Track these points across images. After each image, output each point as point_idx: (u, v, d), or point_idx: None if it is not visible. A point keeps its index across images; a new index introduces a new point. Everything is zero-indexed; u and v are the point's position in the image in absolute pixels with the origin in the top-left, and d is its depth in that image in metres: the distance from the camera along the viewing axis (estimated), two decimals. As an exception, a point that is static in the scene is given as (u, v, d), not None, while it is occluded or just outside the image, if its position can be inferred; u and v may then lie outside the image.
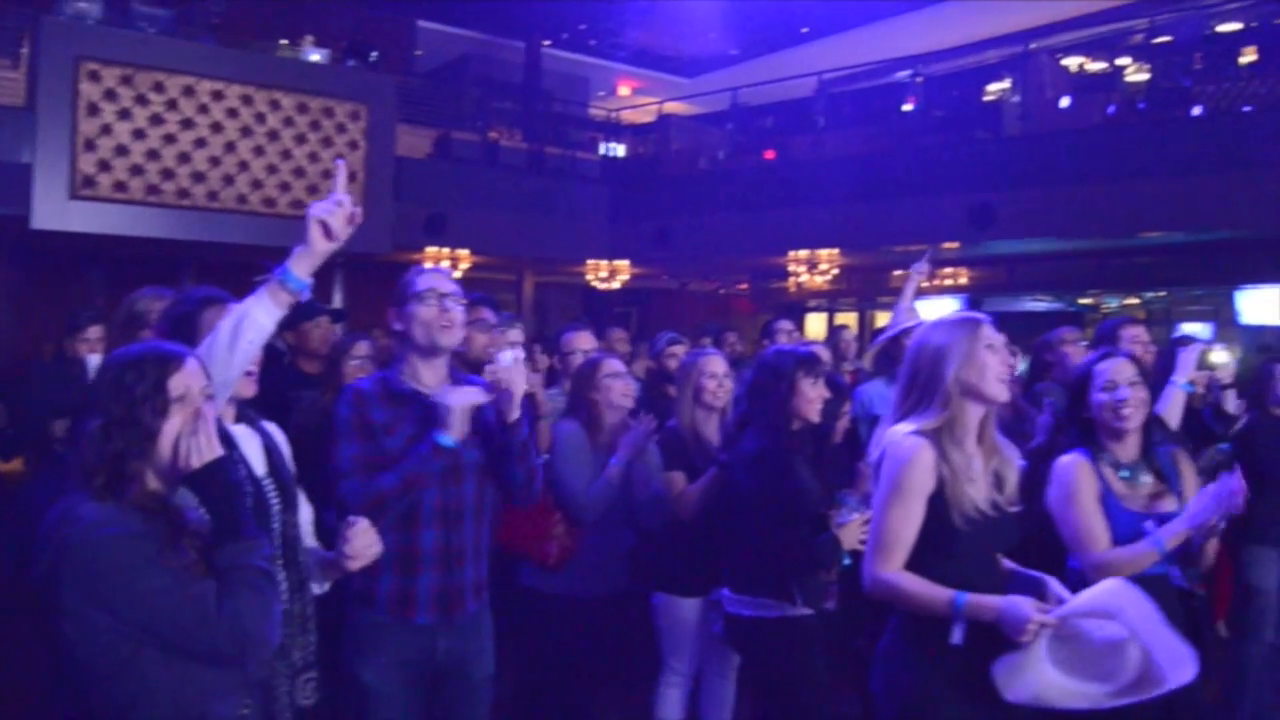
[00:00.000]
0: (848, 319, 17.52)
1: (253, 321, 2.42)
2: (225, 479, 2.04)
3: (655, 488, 3.91)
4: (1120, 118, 12.60)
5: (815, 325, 17.77)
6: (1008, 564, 2.68)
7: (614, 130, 17.64)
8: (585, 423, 3.87)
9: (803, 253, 13.62)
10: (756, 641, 3.48)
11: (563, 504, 3.74)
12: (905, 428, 2.55)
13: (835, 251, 13.49)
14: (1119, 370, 3.12)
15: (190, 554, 1.99)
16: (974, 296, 15.42)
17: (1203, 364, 4.47)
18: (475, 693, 2.98)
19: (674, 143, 16.29)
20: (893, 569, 2.50)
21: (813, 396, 3.51)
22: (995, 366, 2.55)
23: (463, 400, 2.79)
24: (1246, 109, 11.45)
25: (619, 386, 3.92)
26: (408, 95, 14.27)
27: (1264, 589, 4.88)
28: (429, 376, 2.95)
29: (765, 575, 3.43)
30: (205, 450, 2.01)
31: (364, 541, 2.43)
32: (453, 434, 2.78)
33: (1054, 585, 2.51)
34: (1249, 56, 13.14)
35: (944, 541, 2.48)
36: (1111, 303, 15.05)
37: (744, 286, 18.55)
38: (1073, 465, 3.09)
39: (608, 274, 15.61)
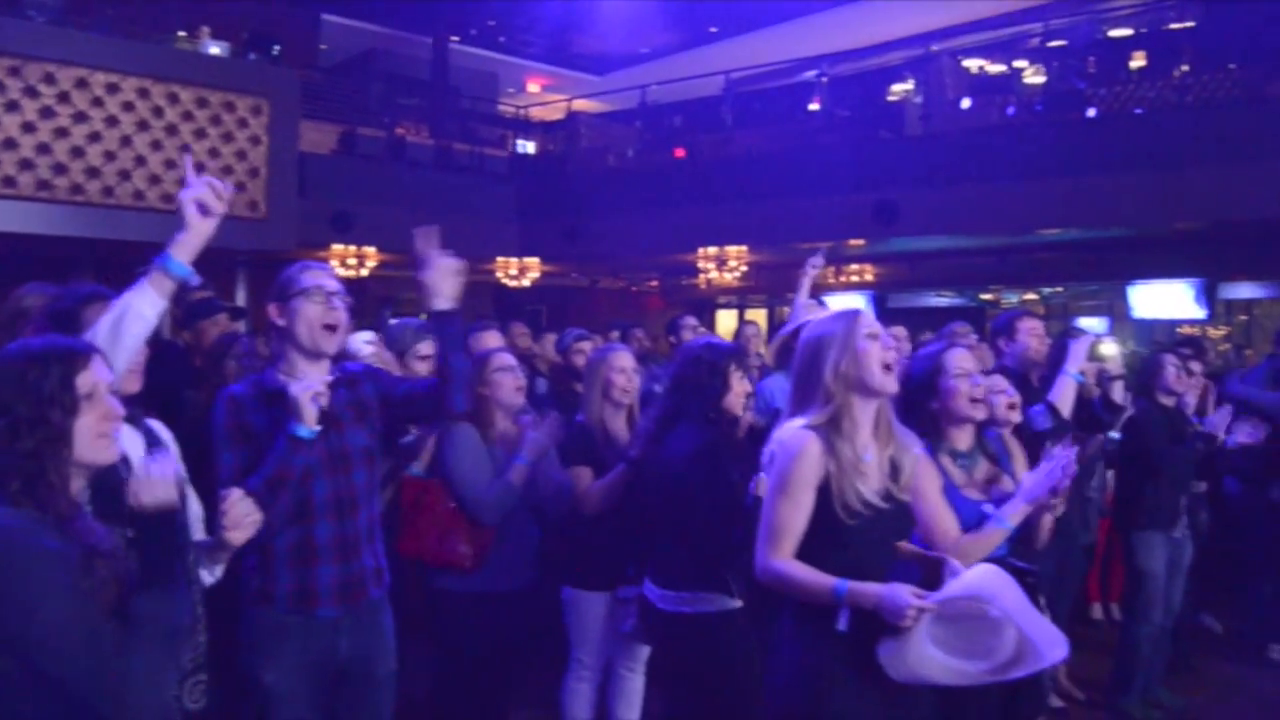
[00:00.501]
0: (757, 316, 17.72)
1: (135, 313, 2.35)
2: (173, 526, 1.96)
3: (558, 479, 3.89)
4: (1019, 118, 12.94)
5: (725, 322, 17.94)
6: (911, 545, 2.73)
7: (523, 127, 17.58)
8: (476, 420, 3.81)
9: (712, 250, 13.72)
10: (692, 637, 3.39)
11: (463, 506, 3.69)
12: (796, 423, 2.59)
13: (744, 249, 13.62)
14: (967, 359, 3.19)
15: (103, 579, 1.88)
16: (879, 293, 15.71)
17: (1093, 355, 4.61)
18: (378, 690, 2.94)
19: (583, 140, 16.27)
20: (782, 558, 2.54)
21: (739, 390, 3.51)
22: (876, 355, 2.58)
23: (306, 388, 2.72)
24: (1137, 111, 11.86)
25: (509, 382, 3.87)
26: (312, 90, 14.03)
27: (1153, 572, 5.06)
28: (309, 374, 2.87)
29: (701, 569, 3.39)
30: (159, 490, 1.93)
31: (240, 510, 2.33)
32: (306, 423, 2.71)
33: (952, 564, 2.56)
34: (1139, 61, 13.61)
35: (833, 532, 2.53)
36: (1011, 298, 15.48)
37: (654, 284, 18.63)
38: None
39: (517, 272, 15.55)
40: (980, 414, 3.16)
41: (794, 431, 2.57)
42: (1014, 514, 2.90)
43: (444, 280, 2.88)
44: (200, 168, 3.04)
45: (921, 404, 3.17)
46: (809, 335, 2.67)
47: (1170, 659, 5.43)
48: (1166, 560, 5.11)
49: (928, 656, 2.40)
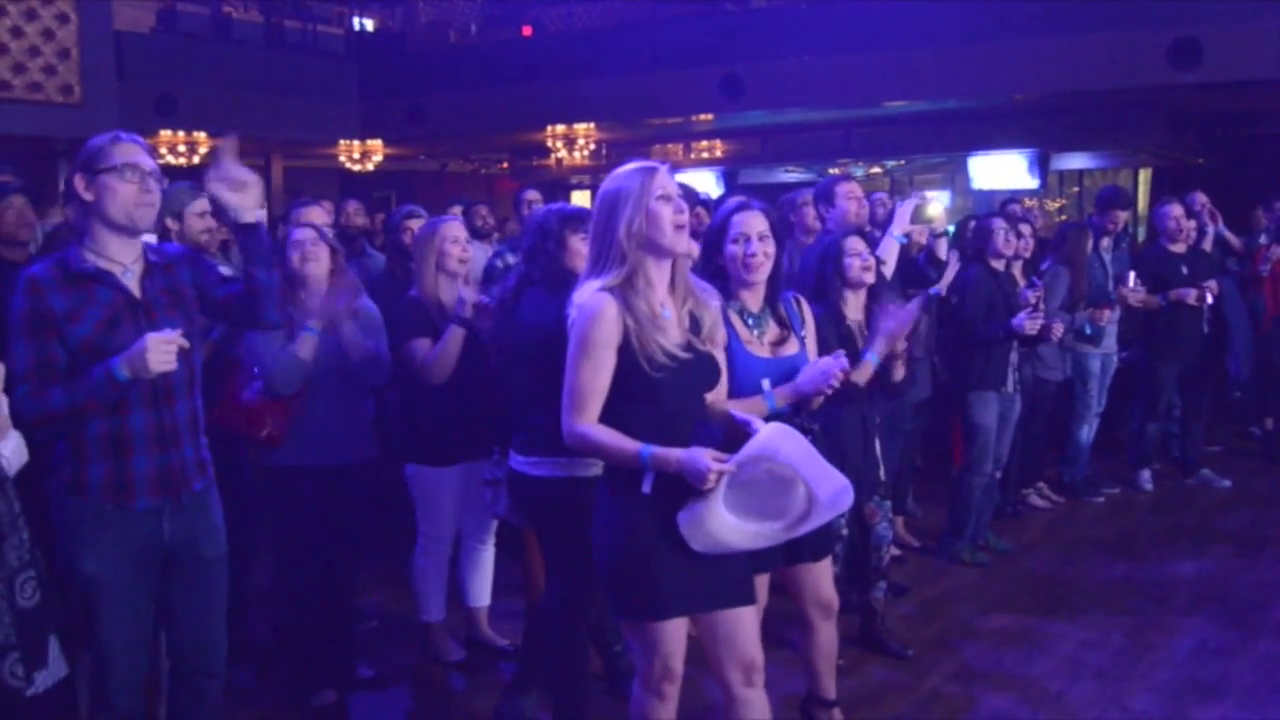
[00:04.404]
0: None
1: None
2: None
3: (371, 348, 3.85)
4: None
5: (580, 203, 17.76)
6: (727, 406, 2.78)
7: (359, 3, 16.72)
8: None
9: (560, 128, 13.48)
10: (567, 500, 3.33)
11: (262, 380, 3.67)
12: (592, 285, 2.58)
13: (591, 126, 13.43)
14: (751, 223, 3.15)
15: None
16: (729, 168, 15.76)
17: (919, 218, 4.72)
18: (209, 571, 2.85)
19: (423, 16, 15.65)
20: (587, 421, 2.55)
21: (584, 252, 3.42)
22: (668, 216, 2.56)
23: (163, 353, 2.55)
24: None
25: (294, 257, 3.78)
26: (123, -37, 13.04)
27: (985, 426, 5.31)
28: (121, 252, 2.71)
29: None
30: None
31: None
32: (131, 373, 2.56)
33: (757, 425, 2.63)
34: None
35: (640, 389, 2.55)
36: (858, 172, 15.69)
37: (505, 166, 18.28)
38: None
39: (360, 155, 15.02)
40: (754, 277, 3.15)
41: (590, 294, 2.56)
42: (783, 397, 3.09)
43: (232, 194, 2.71)
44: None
45: (712, 261, 3.19)
46: (605, 190, 2.64)
47: (998, 505, 5.76)
48: (998, 415, 5.36)
49: (726, 523, 2.48)
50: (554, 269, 3.42)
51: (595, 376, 2.54)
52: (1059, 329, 5.33)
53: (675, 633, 2.62)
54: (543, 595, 3.75)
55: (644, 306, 2.55)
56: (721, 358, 2.84)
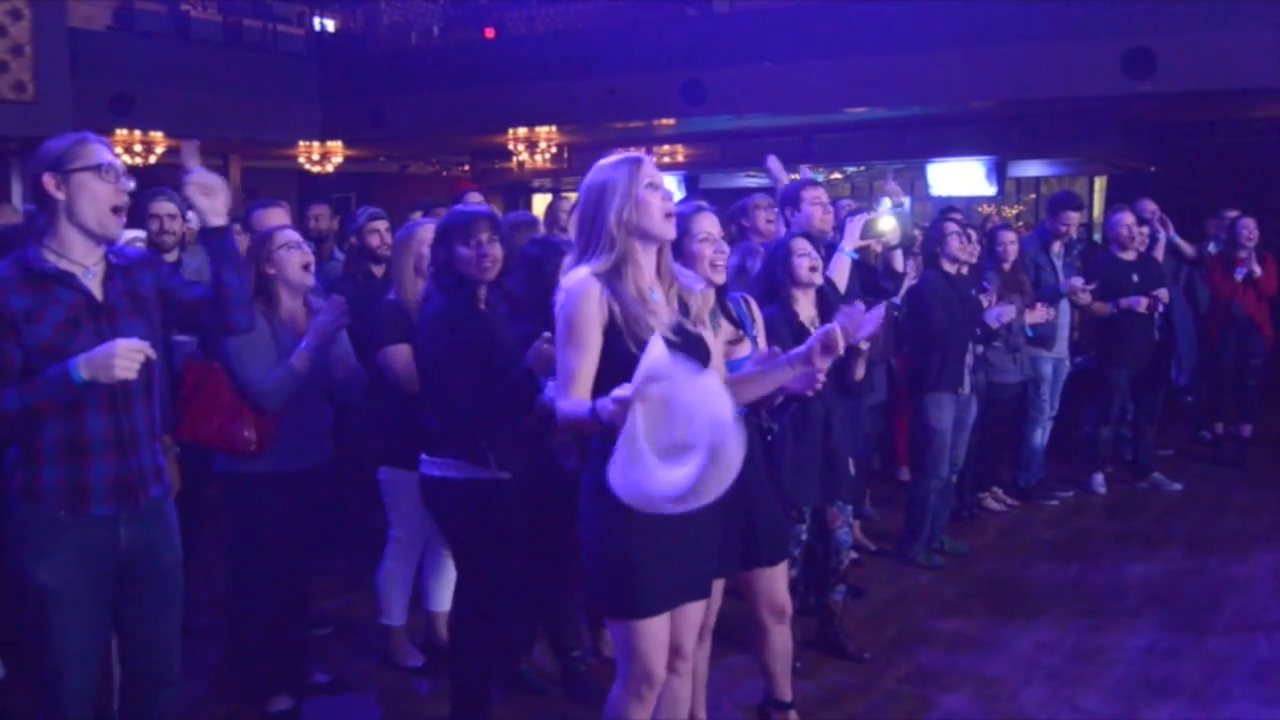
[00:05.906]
0: (573, 199, 17.56)
1: None
2: None
3: (353, 365, 3.82)
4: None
5: (541, 206, 17.74)
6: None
7: (320, 3, 16.64)
8: (262, 301, 3.63)
9: (521, 131, 13.48)
10: (446, 503, 3.45)
11: (244, 392, 3.57)
12: (580, 271, 2.60)
13: (553, 129, 13.42)
14: (713, 225, 3.23)
15: None
16: (690, 174, 15.81)
17: (870, 231, 4.74)
18: (165, 579, 2.82)
19: (385, 17, 15.58)
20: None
21: (468, 256, 3.36)
22: (657, 203, 2.61)
23: (131, 361, 2.53)
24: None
25: (295, 259, 3.71)
26: (78, -42, 12.87)
27: (941, 429, 5.35)
28: (83, 253, 2.67)
29: (447, 435, 3.40)
30: None
31: None
32: (90, 375, 2.53)
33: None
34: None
35: (629, 370, 2.48)
36: (819, 178, 15.76)
37: (466, 168, 18.24)
38: None
39: (320, 157, 14.92)
40: (719, 279, 3.20)
41: (577, 278, 2.58)
42: None
43: (203, 197, 2.73)
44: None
45: None
46: (591, 182, 2.66)
47: (953, 509, 5.82)
48: (954, 418, 5.41)
49: (649, 465, 2.30)
50: (439, 272, 3.41)
51: (580, 358, 2.55)
52: (1011, 311, 5.57)
53: (657, 633, 2.63)
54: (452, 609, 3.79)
55: (632, 289, 2.58)
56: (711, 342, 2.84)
